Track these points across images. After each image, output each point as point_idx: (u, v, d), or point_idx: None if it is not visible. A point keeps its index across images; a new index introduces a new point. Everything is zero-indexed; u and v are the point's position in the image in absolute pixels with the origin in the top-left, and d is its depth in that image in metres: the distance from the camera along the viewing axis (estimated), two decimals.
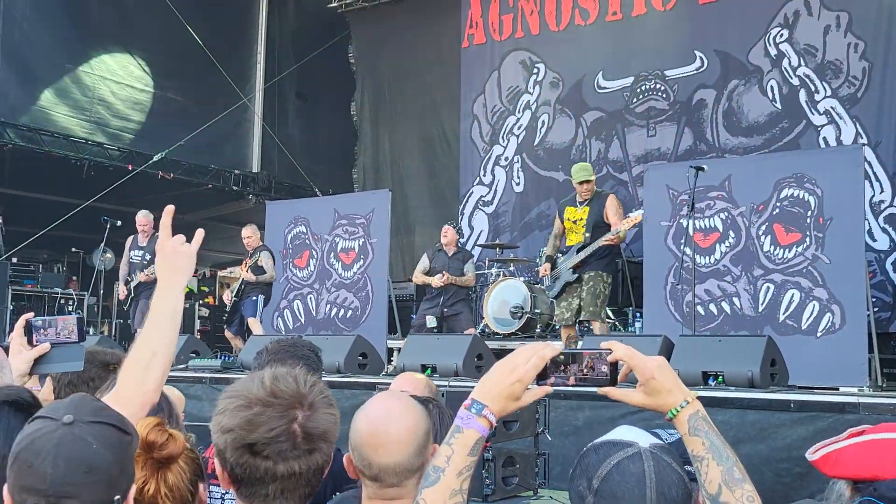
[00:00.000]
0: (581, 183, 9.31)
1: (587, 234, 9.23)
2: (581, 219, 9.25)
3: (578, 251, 9.19)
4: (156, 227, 10.91)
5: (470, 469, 1.74)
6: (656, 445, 1.79)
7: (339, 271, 11.61)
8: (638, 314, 10.80)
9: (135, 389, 2.08)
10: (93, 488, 1.58)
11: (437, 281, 10.92)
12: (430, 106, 15.72)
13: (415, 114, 15.91)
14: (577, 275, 9.19)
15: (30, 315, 2.58)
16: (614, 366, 1.81)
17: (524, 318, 10.95)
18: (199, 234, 2.39)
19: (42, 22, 13.95)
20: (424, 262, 11.32)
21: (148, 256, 11.12)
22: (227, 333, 11.67)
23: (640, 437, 1.81)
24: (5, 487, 1.61)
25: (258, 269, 11.24)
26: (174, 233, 2.31)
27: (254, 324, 11.14)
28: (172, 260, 2.26)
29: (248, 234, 11.60)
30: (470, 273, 11.15)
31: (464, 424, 1.75)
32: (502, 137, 14.73)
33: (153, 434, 1.94)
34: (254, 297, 11.25)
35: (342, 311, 11.51)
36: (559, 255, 9.63)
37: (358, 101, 16.96)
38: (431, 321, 10.79)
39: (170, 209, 2.31)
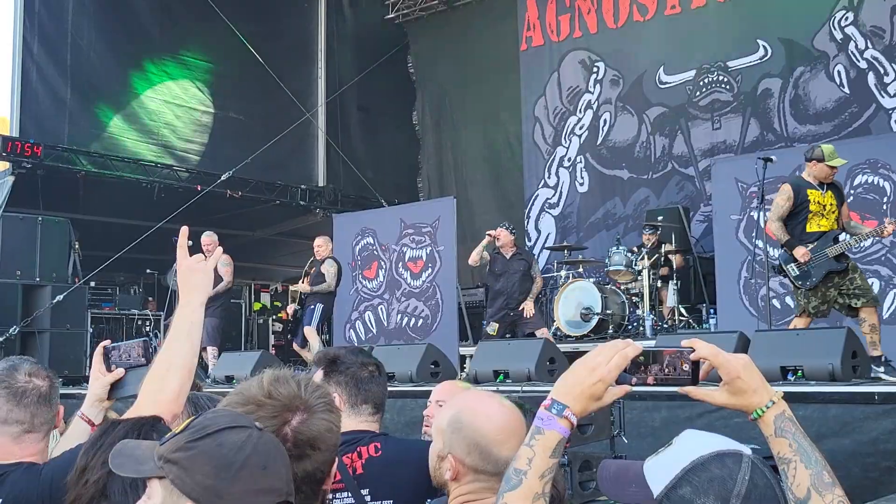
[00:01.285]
0: (834, 167, 7.75)
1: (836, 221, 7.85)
2: (831, 203, 7.69)
3: (836, 239, 7.59)
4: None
5: (552, 472, 1.69)
6: (752, 450, 1.71)
7: (409, 280, 11.66)
8: (712, 310, 10.64)
9: (152, 399, 2.15)
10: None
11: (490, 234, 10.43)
12: (490, 111, 15.71)
13: (476, 120, 15.92)
14: (843, 264, 7.64)
15: (106, 342, 2.66)
16: (695, 364, 1.75)
17: (596, 320, 10.85)
18: (184, 231, 2.52)
19: (107, 51, 14.28)
20: (485, 256, 10.57)
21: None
22: (295, 346, 11.71)
23: (730, 444, 1.72)
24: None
25: (319, 278, 11.22)
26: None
27: (309, 332, 11.08)
28: (189, 277, 2.38)
29: (320, 243, 11.52)
30: (537, 275, 10.79)
31: (544, 425, 1.70)
32: (564, 138, 14.66)
33: None
34: (312, 307, 11.20)
35: (413, 320, 11.55)
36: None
37: (419, 110, 17.04)
38: (492, 328, 10.47)
39: (184, 230, 2.49)
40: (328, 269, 11.22)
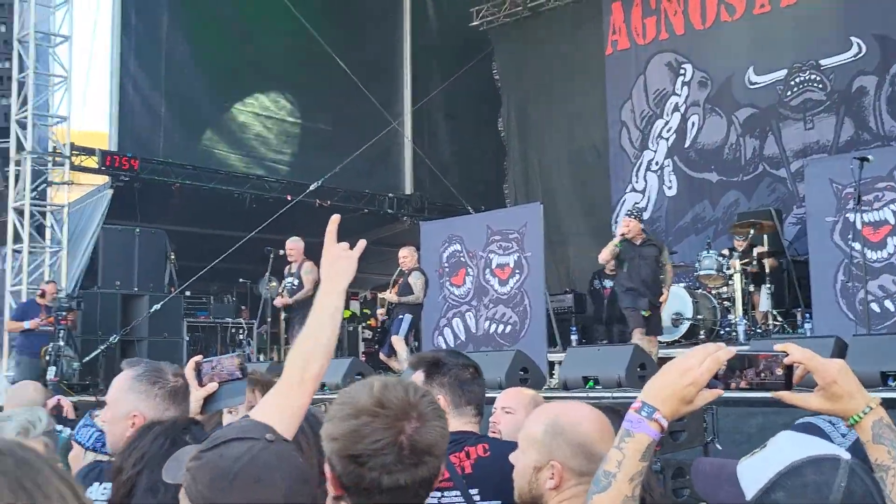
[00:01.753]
0: None
1: None
2: None
3: None
4: (305, 253, 11.23)
5: (641, 475, 1.68)
6: (851, 455, 1.66)
7: (496, 287, 11.64)
8: (807, 315, 10.38)
9: (298, 377, 2.19)
10: (306, 496, 1.66)
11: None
12: (576, 116, 15.63)
13: (561, 125, 15.86)
14: None
15: (198, 358, 2.74)
16: (789, 369, 1.72)
17: (687, 325, 10.68)
18: (361, 244, 2.51)
19: (199, 66, 14.68)
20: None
21: (296, 282, 11.35)
22: (381, 356, 11.74)
23: (828, 448, 1.69)
24: None
25: (407, 289, 11.28)
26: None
27: (397, 342, 11.14)
28: (333, 264, 2.40)
29: (405, 254, 11.57)
30: (667, 263, 9.79)
31: (634, 428, 1.68)
32: (652, 142, 14.50)
33: None
34: (400, 317, 11.24)
35: (501, 327, 11.53)
36: None
37: (504, 117, 17.05)
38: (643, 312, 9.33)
39: (335, 218, 2.46)
40: (415, 281, 11.27)
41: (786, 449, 1.70)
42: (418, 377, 2.95)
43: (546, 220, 11.80)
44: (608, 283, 13.30)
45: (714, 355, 1.70)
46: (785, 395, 1.73)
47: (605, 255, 9.76)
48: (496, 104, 17.26)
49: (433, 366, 2.99)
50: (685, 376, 1.69)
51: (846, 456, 1.64)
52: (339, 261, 2.43)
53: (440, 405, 1.86)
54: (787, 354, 1.72)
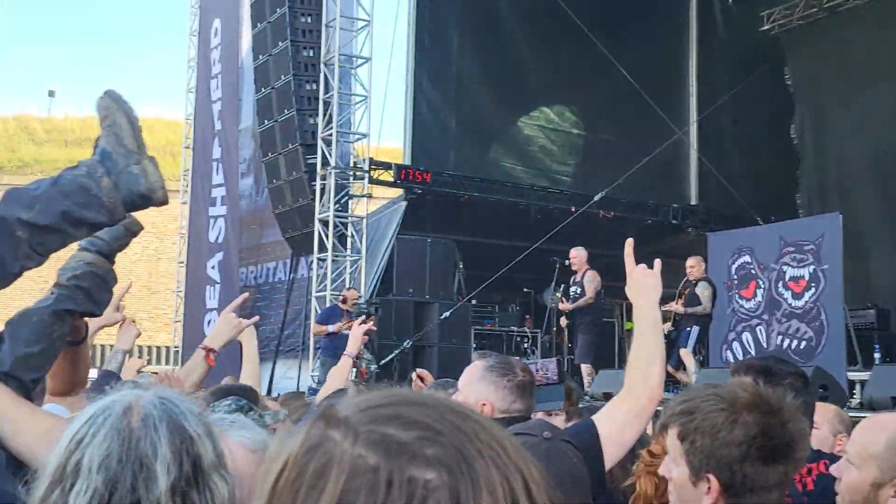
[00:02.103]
0: None
1: None
2: None
3: None
4: (588, 263, 11.33)
5: None
6: None
7: (789, 301, 11.15)
8: None
9: (641, 385, 2.51)
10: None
11: None
12: (880, 120, 14.61)
13: (863, 130, 14.89)
14: None
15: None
16: None
17: None
18: (658, 264, 2.87)
19: (487, 82, 15.19)
20: None
21: (578, 290, 11.43)
22: (669, 368, 11.53)
23: None
24: None
25: (694, 300, 11.01)
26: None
27: (684, 355, 10.88)
28: (640, 283, 2.78)
29: (692, 264, 11.31)
30: None
31: None
32: None
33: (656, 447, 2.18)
34: (688, 329, 10.98)
35: (795, 342, 11.03)
36: None
37: (798, 123, 16.30)
38: None
39: (630, 242, 2.92)
40: (703, 291, 11.00)
41: None
42: None
43: (844, 230, 11.16)
44: None
45: None
46: None
47: None
48: (788, 110, 16.52)
49: (763, 374, 2.87)
50: None
51: None
52: (646, 279, 2.79)
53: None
54: None
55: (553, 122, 15.91)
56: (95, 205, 2.15)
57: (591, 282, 11.55)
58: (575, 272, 11.81)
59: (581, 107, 16.11)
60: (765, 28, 16.28)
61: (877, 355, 11.48)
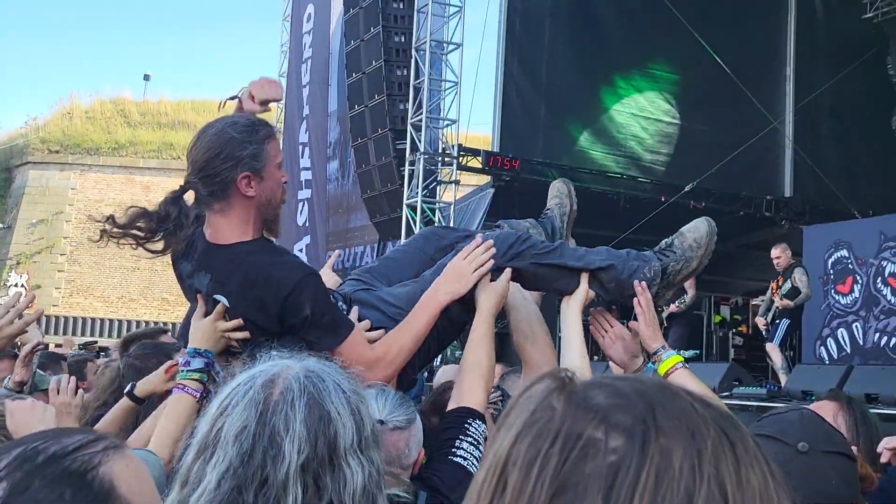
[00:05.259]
0: None
1: None
2: None
3: None
4: None
5: None
6: None
7: (889, 297, 10.82)
8: None
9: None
10: None
11: None
12: None
13: None
14: None
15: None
16: None
17: None
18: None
19: (579, 69, 15.02)
20: None
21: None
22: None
23: None
24: None
25: (793, 291, 10.67)
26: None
27: (771, 349, 10.62)
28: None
29: (777, 253, 10.97)
30: None
31: None
32: None
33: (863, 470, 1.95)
34: (778, 321, 10.71)
35: (893, 340, 10.69)
36: None
37: None
38: None
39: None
40: (801, 277, 10.65)
41: None
42: None
43: None
44: None
45: None
46: None
47: None
48: (889, 102, 15.97)
49: None
50: None
51: None
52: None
53: None
54: None
55: (646, 109, 15.66)
56: None
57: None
58: None
59: (675, 95, 15.82)
60: (867, 16, 15.73)
61: None
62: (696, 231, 2.89)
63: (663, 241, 2.99)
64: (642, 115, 15.56)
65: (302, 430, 1.40)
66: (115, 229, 2.50)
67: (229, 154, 2.46)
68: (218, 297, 2.53)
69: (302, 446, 1.39)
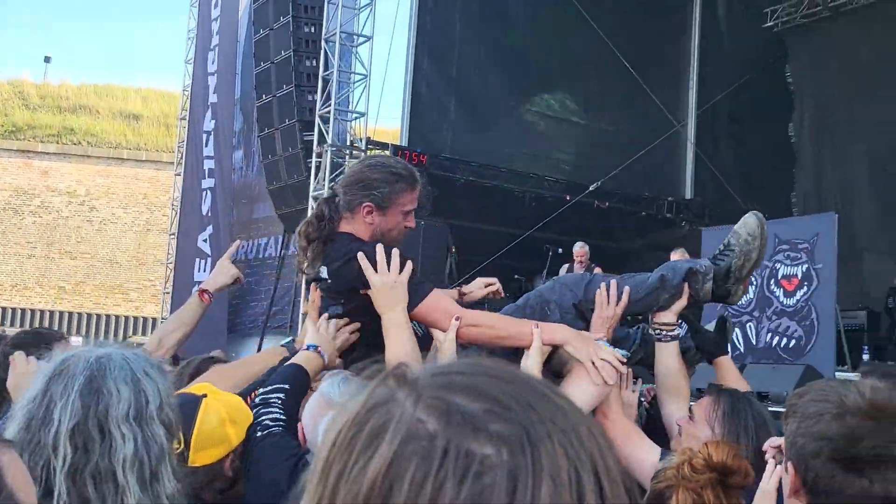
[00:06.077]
0: None
1: None
2: None
3: None
4: (603, 258, 11.33)
5: None
6: None
7: (781, 298, 11.14)
8: None
9: None
10: None
11: None
12: (880, 122, 14.58)
13: (863, 133, 14.88)
14: None
15: None
16: None
17: None
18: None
19: (489, 66, 15.06)
20: None
21: None
22: None
23: None
24: None
25: None
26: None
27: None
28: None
29: (676, 257, 11.24)
30: None
31: None
32: None
33: (732, 460, 2.04)
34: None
35: (784, 340, 11.02)
36: None
37: (797, 122, 16.29)
38: None
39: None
40: None
41: None
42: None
43: (839, 231, 11.16)
44: None
45: None
46: None
47: None
48: (787, 109, 16.50)
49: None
50: None
51: None
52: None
53: None
54: None
55: (554, 109, 15.84)
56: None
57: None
58: (571, 263, 11.80)
59: (583, 96, 16.03)
60: (768, 25, 16.23)
61: (865, 356, 11.50)
62: (747, 226, 3.14)
63: (720, 244, 3.27)
64: (550, 115, 15.73)
65: (76, 401, 1.65)
66: (307, 256, 3.04)
67: (365, 185, 3.03)
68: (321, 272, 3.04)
69: (73, 413, 1.65)
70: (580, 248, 11.83)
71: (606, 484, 0.70)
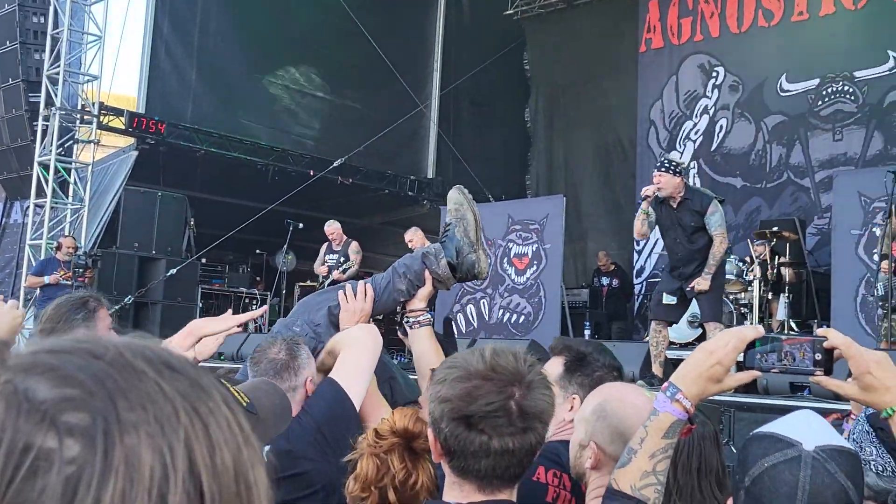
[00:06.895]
0: None
1: None
2: None
3: None
4: (346, 234, 11.38)
5: (665, 452, 1.73)
6: (824, 448, 1.64)
7: (513, 276, 11.64)
8: (824, 325, 10.33)
9: None
10: None
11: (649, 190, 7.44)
12: (605, 112, 15.57)
13: (590, 120, 15.80)
14: None
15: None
16: (829, 353, 1.74)
17: (701, 330, 10.63)
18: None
19: (232, 35, 14.67)
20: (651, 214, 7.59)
21: (342, 259, 11.38)
22: (399, 335, 11.73)
23: (809, 434, 1.66)
24: None
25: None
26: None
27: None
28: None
29: (410, 237, 11.38)
30: (718, 231, 7.46)
31: (659, 407, 1.75)
32: (679, 143, 14.45)
33: (413, 424, 2.12)
34: None
35: (514, 317, 11.53)
36: None
37: (532, 108, 17.00)
38: (669, 299, 7.72)
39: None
40: (354, 256, 11.40)
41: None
42: (555, 366, 2.60)
43: (567, 213, 11.79)
44: (605, 281, 13.39)
45: (740, 334, 1.76)
46: (822, 380, 1.75)
47: (637, 227, 7.65)
48: (524, 95, 17.21)
49: (577, 361, 2.63)
50: (711, 357, 1.74)
51: (810, 447, 1.64)
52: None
53: (546, 376, 1.83)
54: (826, 339, 1.74)
55: (299, 83, 15.67)
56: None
57: (356, 252, 11.47)
58: (331, 241, 11.64)
59: (328, 71, 15.96)
60: (508, 12, 16.83)
61: (587, 332, 12.26)
62: (451, 199, 3.35)
63: (441, 228, 3.53)
64: (294, 88, 15.56)
65: None
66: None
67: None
68: None
69: None
70: (329, 227, 11.70)
71: (208, 479, 0.62)
